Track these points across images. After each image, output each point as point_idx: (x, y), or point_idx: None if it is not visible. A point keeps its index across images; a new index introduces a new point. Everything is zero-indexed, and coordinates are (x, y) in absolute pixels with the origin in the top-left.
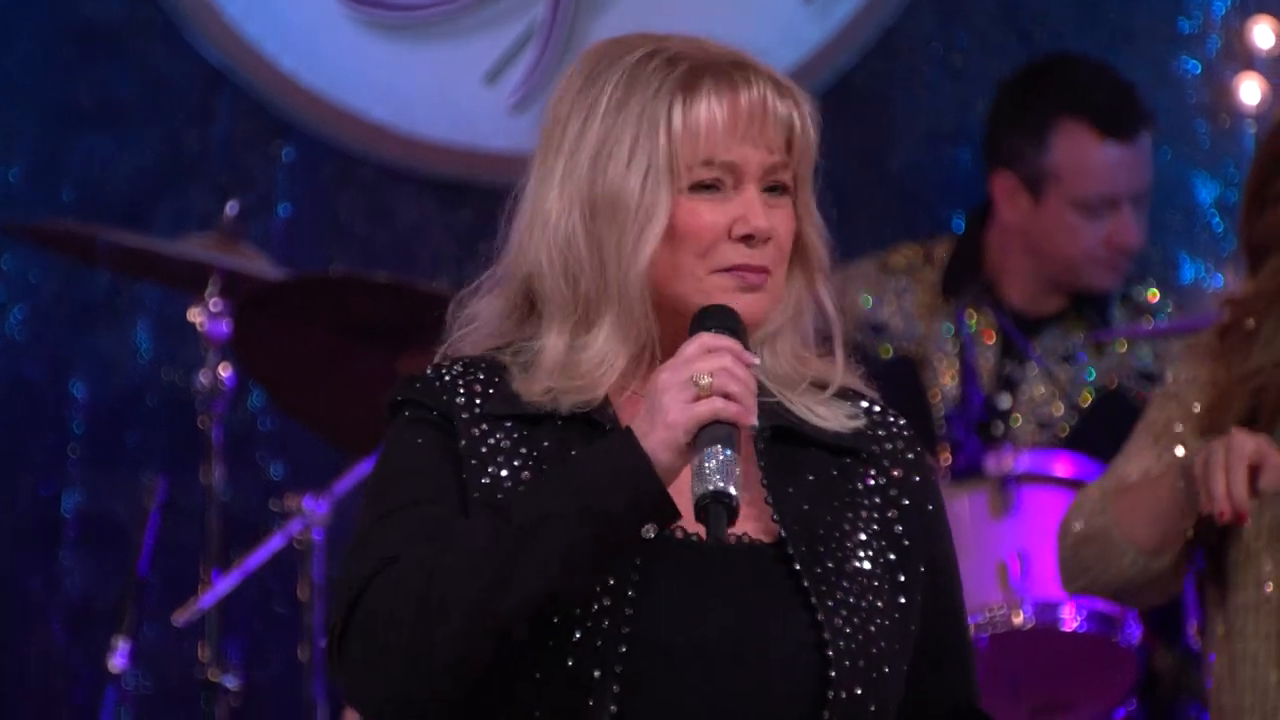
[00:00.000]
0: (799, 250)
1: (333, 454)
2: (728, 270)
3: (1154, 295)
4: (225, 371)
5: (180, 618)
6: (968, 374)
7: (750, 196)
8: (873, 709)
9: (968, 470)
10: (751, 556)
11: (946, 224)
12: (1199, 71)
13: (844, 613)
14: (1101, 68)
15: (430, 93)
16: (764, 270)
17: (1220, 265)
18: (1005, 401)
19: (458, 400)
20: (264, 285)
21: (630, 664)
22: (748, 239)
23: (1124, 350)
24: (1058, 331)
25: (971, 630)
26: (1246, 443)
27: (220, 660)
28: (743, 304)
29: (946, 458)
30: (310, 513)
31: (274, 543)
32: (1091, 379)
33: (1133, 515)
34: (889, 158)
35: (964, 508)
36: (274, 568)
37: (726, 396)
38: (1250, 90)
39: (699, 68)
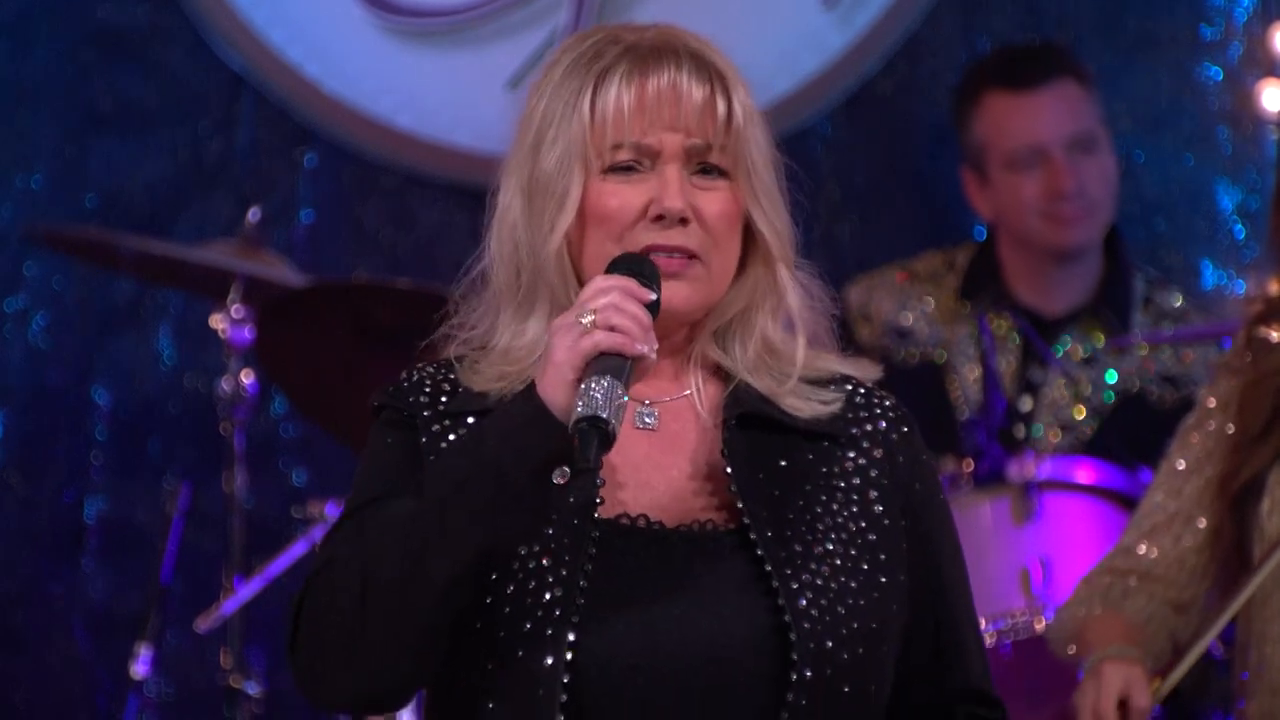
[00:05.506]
0: (751, 237)
1: (355, 460)
2: (642, 252)
3: (1177, 300)
4: (247, 378)
5: (203, 624)
6: (990, 381)
7: (668, 177)
8: (847, 690)
9: (990, 477)
10: (715, 542)
11: (969, 230)
12: (1221, 78)
13: (810, 594)
14: (1011, 45)
15: (453, 99)
16: (682, 252)
17: (1242, 271)
18: (1027, 404)
19: (422, 399)
20: (286, 292)
21: (581, 652)
22: (659, 219)
23: (1145, 354)
24: (1077, 334)
25: (983, 624)
26: (1114, 679)
27: (242, 666)
28: (664, 293)
29: (969, 464)
30: (332, 519)
31: (296, 549)
32: (1112, 382)
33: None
34: (912, 164)
35: (986, 514)
36: (296, 574)
37: (612, 330)
38: (1273, 96)
39: (621, 55)
